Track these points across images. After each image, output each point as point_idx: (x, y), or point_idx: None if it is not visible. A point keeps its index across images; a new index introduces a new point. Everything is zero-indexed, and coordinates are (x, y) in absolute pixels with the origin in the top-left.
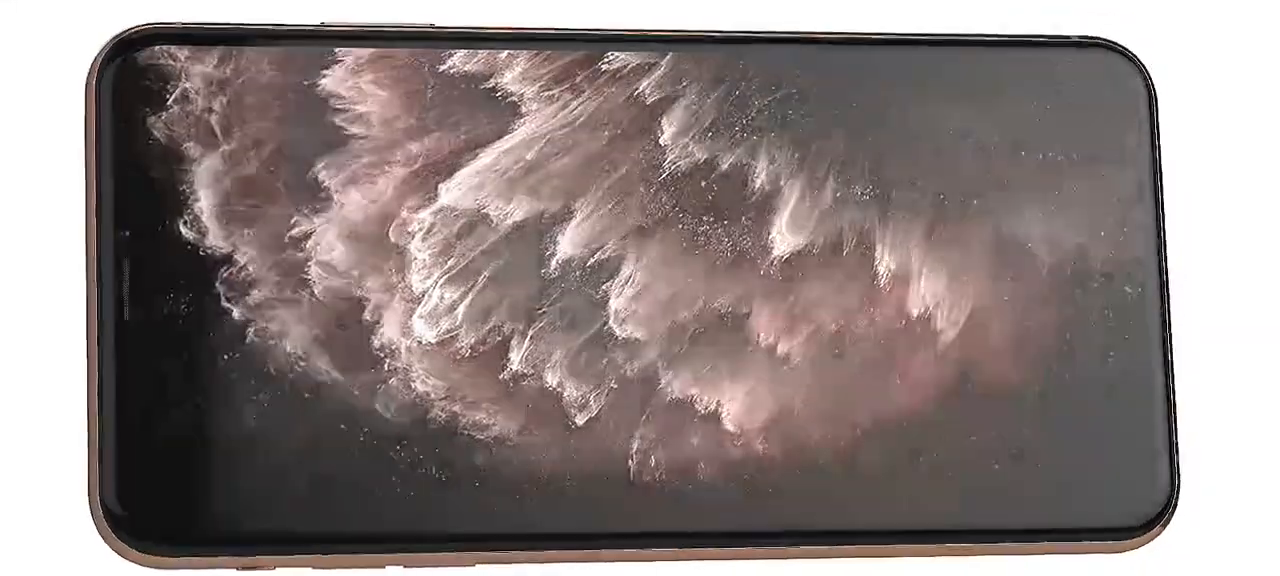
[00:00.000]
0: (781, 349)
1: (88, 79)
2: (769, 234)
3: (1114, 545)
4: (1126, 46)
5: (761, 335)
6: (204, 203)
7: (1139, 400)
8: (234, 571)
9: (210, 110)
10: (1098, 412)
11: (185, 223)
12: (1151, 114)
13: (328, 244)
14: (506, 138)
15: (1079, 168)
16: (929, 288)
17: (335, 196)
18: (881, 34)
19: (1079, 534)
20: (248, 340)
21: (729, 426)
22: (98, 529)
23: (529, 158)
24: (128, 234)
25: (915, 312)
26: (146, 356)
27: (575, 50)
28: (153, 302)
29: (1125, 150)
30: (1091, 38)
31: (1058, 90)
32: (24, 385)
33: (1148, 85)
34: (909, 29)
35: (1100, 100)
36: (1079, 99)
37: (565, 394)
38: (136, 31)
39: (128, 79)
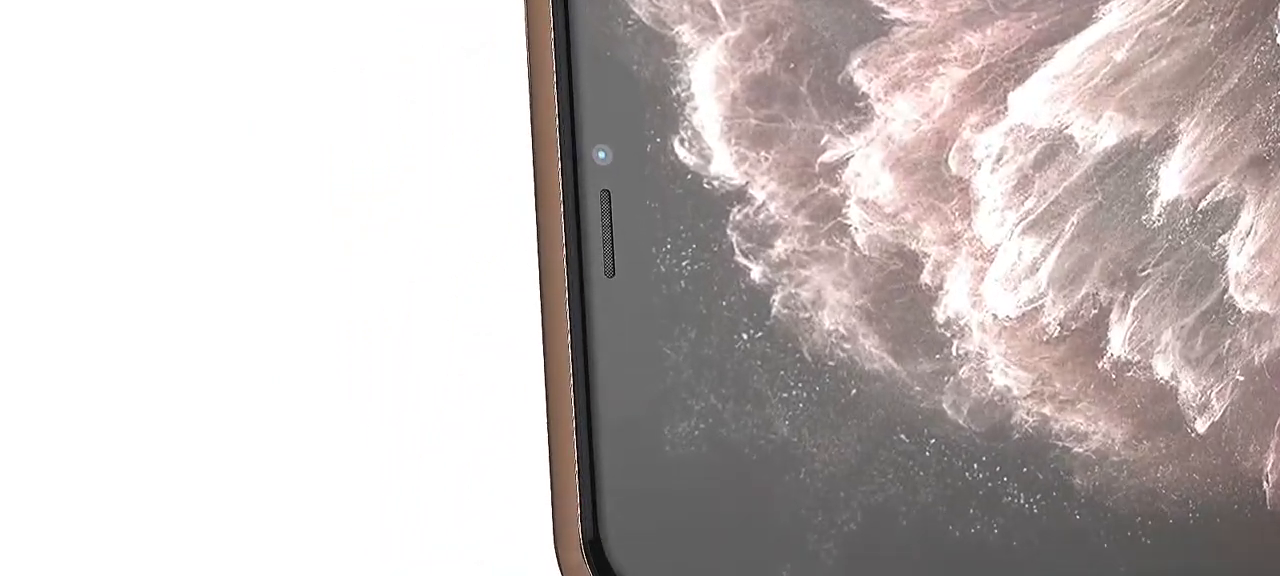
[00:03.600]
0: None
1: None
2: None
3: None
4: None
5: None
6: (705, 113)
7: None
8: None
9: None
10: None
11: (682, 141)
12: None
13: (871, 174)
14: (1088, 30)
15: None
16: None
17: (877, 107)
18: None
19: None
20: (773, 313)
21: None
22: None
23: (1118, 59)
24: (606, 157)
25: None
26: (637, 335)
27: None
28: (643, 257)
29: None
30: None
31: None
32: (474, 374)
33: None
34: None
35: None
36: None
37: (1181, 389)
38: None
39: None
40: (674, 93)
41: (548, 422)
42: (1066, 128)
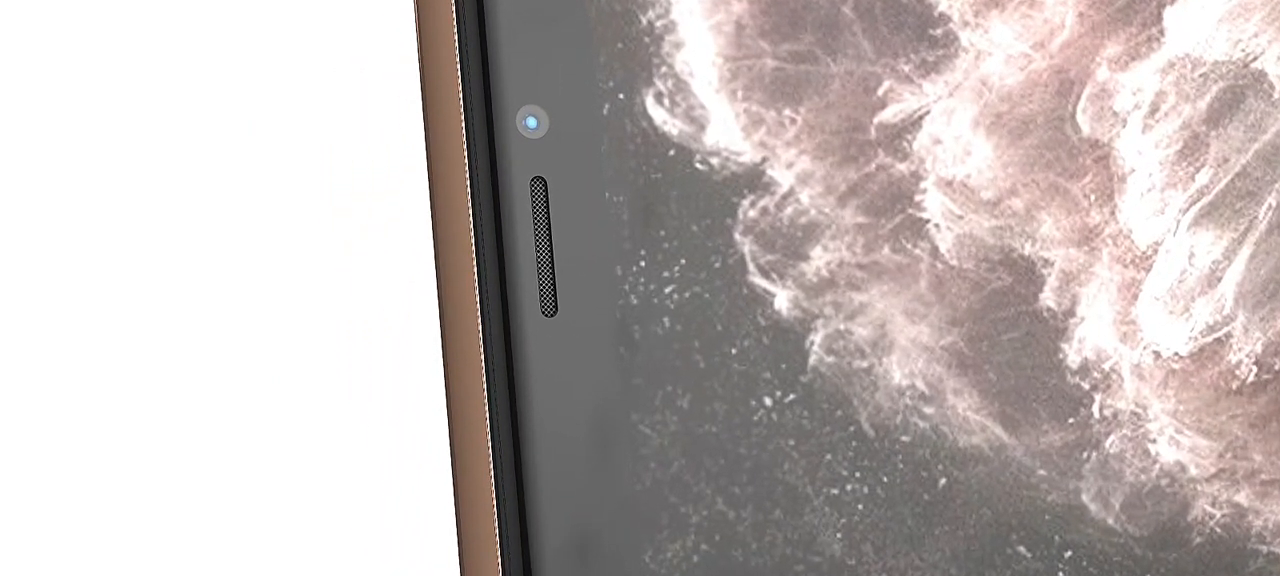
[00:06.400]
0: None
1: None
2: None
3: None
4: None
5: None
6: (696, 52)
7: None
8: None
9: None
10: None
11: (660, 97)
12: None
13: (955, 141)
14: None
15: None
16: None
17: (963, 35)
18: None
19: None
20: (811, 363)
21: None
22: None
23: None
24: (537, 125)
25: None
26: (597, 406)
27: None
28: (601, 284)
29: None
30: None
31: None
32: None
33: None
34: None
35: None
36: None
37: None
38: None
39: None
40: (644, 21)
41: (459, 550)
42: (1254, 59)
